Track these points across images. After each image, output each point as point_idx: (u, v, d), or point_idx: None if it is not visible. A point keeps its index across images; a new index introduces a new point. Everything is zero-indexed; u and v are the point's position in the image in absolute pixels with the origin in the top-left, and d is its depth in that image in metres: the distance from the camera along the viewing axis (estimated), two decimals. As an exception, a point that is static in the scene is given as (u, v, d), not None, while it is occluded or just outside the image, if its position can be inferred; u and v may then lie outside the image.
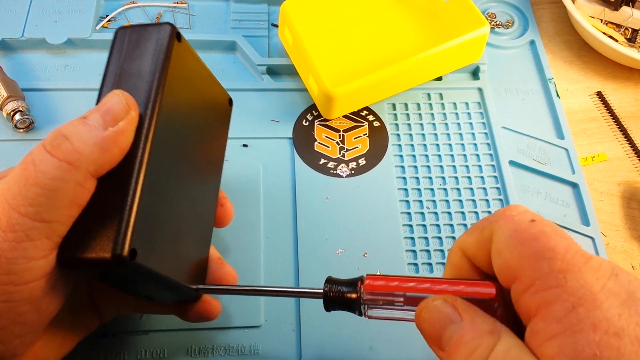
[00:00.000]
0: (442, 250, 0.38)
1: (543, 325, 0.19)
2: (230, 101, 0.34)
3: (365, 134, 0.42)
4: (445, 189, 0.40)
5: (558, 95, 0.46)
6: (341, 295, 0.25)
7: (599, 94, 0.47)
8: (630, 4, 0.48)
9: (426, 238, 0.38)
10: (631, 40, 0.48)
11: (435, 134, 0.43)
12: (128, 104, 0.24)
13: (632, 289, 0.19)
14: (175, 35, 0.26)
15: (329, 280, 0.26)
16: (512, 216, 0.21)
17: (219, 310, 0.31)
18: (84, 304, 0.29)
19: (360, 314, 0.25)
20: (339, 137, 0.42)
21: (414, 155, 0.42)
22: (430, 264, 0.37)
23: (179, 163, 0.27)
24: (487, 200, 0.40)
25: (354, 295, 0.24)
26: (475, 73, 0.46)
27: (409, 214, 0.39)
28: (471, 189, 0.40)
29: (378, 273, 0.26)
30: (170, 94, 0.26)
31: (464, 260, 0.24)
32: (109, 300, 0.30)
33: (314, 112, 0.43)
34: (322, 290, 0.26)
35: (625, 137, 0.45)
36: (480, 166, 0.42)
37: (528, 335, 0.20)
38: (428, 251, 0.38)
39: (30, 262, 0.22)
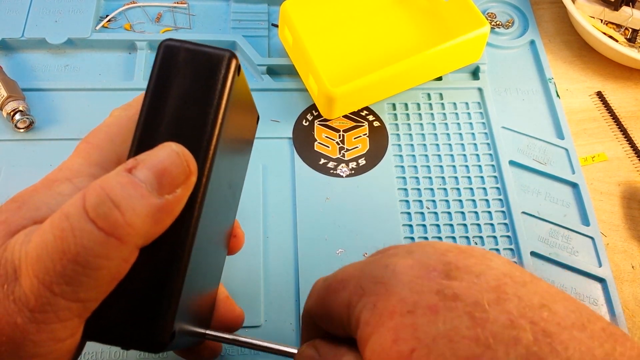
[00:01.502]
0: (442, 250, 0.38)
1: (360, 335, 0.19)
2: (258, 119, 0.30)
3: (365, 134, 0.42)
4: (445, 189, 0.40)
5: (558, 95, 0.46)
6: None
7: (599, 94, 0.47)
8: (630, 4, 0.48)
9: (426, 238, 0.38)
10: (631, 40, 0.48)
11: (435, 134, 0.43)
12: (189, 167, 0.20)
13: (424, 259, 0.19)
14: (237, 69, 0.22)
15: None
16: (311, 293, 0.23)
17: (220, 351, 0.30)
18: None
19: None
20: (339, 137, 0.42)
21: (414, 155, 0.42)
22: (430, 264, 0.37)
23: (218, 214, 0.24)
24: (487, 200, 0.40)
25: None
26: (475, 73, 0.46)
27: (409, 213, 0.39)
28: (471, 189, 0.40)
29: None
30: (225, 140, 0.22)
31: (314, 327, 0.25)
32: None
33: (314, 112, 0.43)
34: (295, 350, 0.25)
35: (625, 137, 0.45)
36: (480, 166, 0.42)
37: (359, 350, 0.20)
38: (428, 251, 0.38)
39: (58, 343, 0.19)
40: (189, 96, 0.21)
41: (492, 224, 0.39)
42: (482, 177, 0.41)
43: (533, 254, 0.38)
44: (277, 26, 0.48)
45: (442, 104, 0.44)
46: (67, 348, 0.20)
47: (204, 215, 0.21)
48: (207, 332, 0.26)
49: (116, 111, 0.24)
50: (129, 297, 0.20)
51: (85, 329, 0.20)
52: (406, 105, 0.44)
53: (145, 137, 0.21)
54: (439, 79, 0.45)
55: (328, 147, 0.42)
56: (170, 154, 0.20)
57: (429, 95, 0.45)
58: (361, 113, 0.43)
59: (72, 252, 0.18)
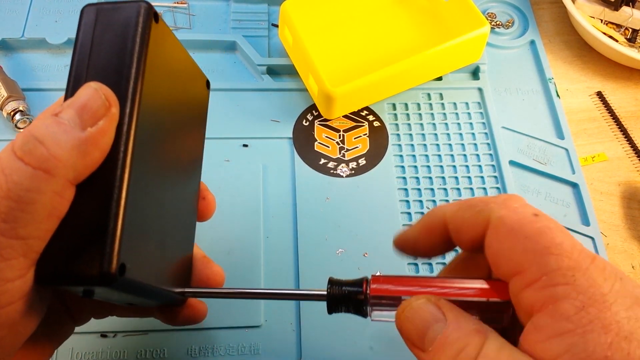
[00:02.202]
0: (442, 250, 0.38)
1: (549, 322, 0.18)
2: (208, 84, 0.31)
3: (365, 134, 0.42)
4: (445, 189, 0.40)
5: (558, 95, 0.46)
6: (346, 298, 0.24)
7: (599, 94, 0.47)
8: (630, 4, 0.48)
9: (426, 238, 0.38)
10: (631, 40, 0.48)
11: (435, 134, 0.43)
12: (108, 99, 0.21)
13: (637, 293, 0.19)
14: (153, 15, 0.23)
15: (332, 282, 0.24)
16: (515, 208, 0.21)
17: (204, 313, 0.29)
18: (59, 314, 0.27)
19: (365, 316, 0.24)
20: (339, 137, 0.42)
21: (414, 155, 0.42)
22: (430, 264, 0.37)
23: (162, 160, 0.25)
24: None
25: (360, 297, 0.23)
26: (475, 73, 0.46)
27: (409, 214, 0.39)
28: (471, 189, 0.40)
29: (378, 274, 0.25)
30: (150, 83, 0.23)
31: (440, 228, 0.24)
32: (84, 305, 0.28)
33: (314, 112, 0.43)
34: (324, 292, 0.24)
35: (625, 137, 0.45)
36: (480, 166, 0.42)
37: (528, 330, 0.19)
38: (428, 251, 0.38)
39: (6, 284, 0.19)
40: (109, 46, 0.23)
41: (492, 224, 0.39)
42: (482, 177, 0.41)
43: (533, 254, 0.38)
44: (277, 26, 0.48)
45: (442, 104, 0.44)
46: (17, 290, 0.20)
47: (141, 153, 0.22)
48: (187, 289, 0.27)
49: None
50: (72, 236, 0.20)
51: (36, 273, 0.20)
52: (406, 105, 0.44)
53: (72, 89, 0.22)
54: (439, 79, 0.45)
55: (328, 147, 0.42)
56: (88, 90, 0.21)
57: (429, 95, 0.45)
58: (361, 113, 0.43)
59: (4, 189, 0.19)
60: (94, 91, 0.21)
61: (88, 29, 0.23)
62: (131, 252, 0.21)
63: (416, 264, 0.37)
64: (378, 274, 0.24)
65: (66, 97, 0.22)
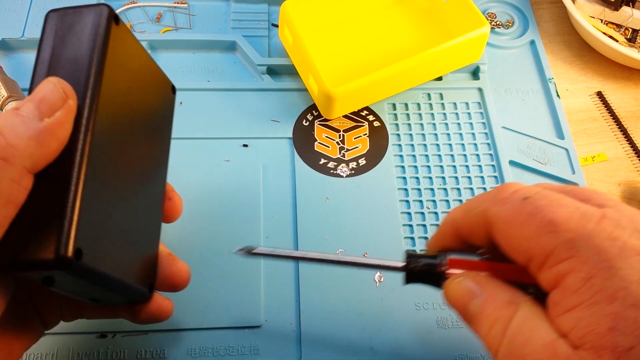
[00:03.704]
0: (442, 250, 0.38)
1: (561, 297, 0.19)
2: (174, 89, 0.32)
3: (365, 134, 0.42)
4: (445, 189, 0.40)
5: (558, 95, 0.46)
6: (426, 269, 0.25)
7: (599, 94, 0.47)
8: (630, 4, 0.48)
9: (426, 238, 0.38)
10: (631, 40, 0.48)
11: (435, 134, 0.43)
12: (65, 92, 0.22)
13: None
14: (113, 17, 0.24)
15: (411, 255, 0.25)
16: (505, 199, 0.22)
17: (170, 310, 0.29)
18: (26, 311, 0.27)
19: (440, 288, 0.25)
20: (339, 137, 0.42)
21: (414, 155, 0.42)
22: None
23: (122, 156, 0.26)
24: None
25: (439, 269, 0.24)
26: (475, 73, 0.46)
27: (409, 213, 0.39)
28: (471, 189, 0.40)
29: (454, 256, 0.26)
30: (110, 81, 0.24)
31: (456, 235, 0.25)
32: (51, 306, 0.28)
33: (314, 112, 0.43)
34: (401, 264, 0.25)
35: (625, 137, 0.45)
36: (480, 166, 0.42)
37: (549, 306, 0.20)
38: (428, 251, 0.38)
39: None
40: (70, 46, 0.24)
41: (492, 224, 0.39)
42: (482, 177, 0.41)
43: (533, 254, 0.38)
44: (277, 26, 0.48)
45: (442, 104, 0.44)
46: None
47: (100, 147, 0.23)
48: (254, 250, 0.28)
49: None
50: (31, 223, 0.21)
51: None
52: (406, 105, 0.44)
53: (34, 86, 0.23)
54: (439, 79, 0.45)
55: (328, 147, 0.42)
56: (46, 84, 0.22)
57: (429, 95, 0.45)
58: (361, 113, 0.43)
59: None
60: (52, 85, 0.22)
61: (50, 31, 0.24)
62: (88, 239, 0.21)
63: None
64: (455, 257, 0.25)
65: (29, 91, 0.23)
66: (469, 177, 0.41)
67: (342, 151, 0.42)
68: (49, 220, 0.21)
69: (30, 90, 0.23)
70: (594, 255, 0.18)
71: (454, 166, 0.41)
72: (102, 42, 0.24)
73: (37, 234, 0.21)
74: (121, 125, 0.25)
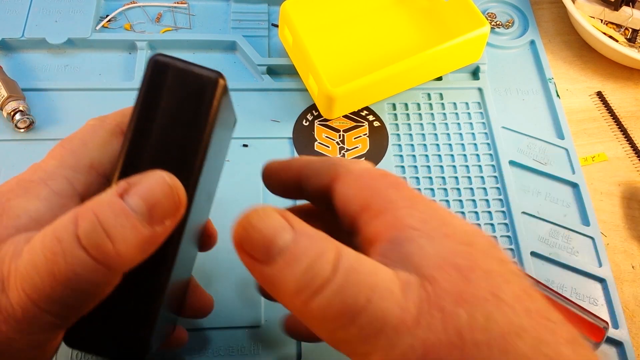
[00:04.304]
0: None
1: (390, 246, 0.20)
2: (235, 122, 0.30)
3: (365, 134, 0.42)
4: (445, 189, 0.40)
5: (558, 95, 0.46)
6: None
7: (599, 94, 0.47)
8: (630, 4, 0.48)
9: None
10: (631, 40, 0.48)
11: (435, 134, 0.43)
12: (179, 199, 0.21)
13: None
14: (224, 90, 0.22)
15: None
16: (361, 163, 0.23)
17: (186, 340, 0.30)
18: None
19: None
20: (339, 137, 0.42)
21: (414, 155, 0.42)
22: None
23: (195, 223, 0.25)
24: (487, 200, 0.40)
25: None
26: (475, 73, 0.46)
27: (409, 214, 0.39)
28: (471, 188, 0.40)
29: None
30: (209, 160, 0.22)
31: (297, 169, 0.25)
32: None
33: (314, 112, 0.43)
34: None
35: (625, 137, 0.45)
36: (480, 166, 0.42)
37: (374, 252, 0.21)
38: (428, 251, 0.38)
39: (37, 350, 0.20)
40: (177, 116, 0.22)
41: (492, 224, 0.39)
42: (482, 177, 0.41)
43: (533, 254, 0.38)
44: (277, 26, 0.48)
45: (442, 104, 0.44)
46: (45, 353, 0.21)
47: (186, 234, 0.22)
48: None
49: (92, 121, 0.25)
50: (111, 311, 0.21)
51: (69, 338, 0.21)
52: (406, 105, 0.44)
53: (133, 156, 0.21)
54: (439, 79, 0.45)
55: (328, 147, 0.42)
56: (163, 185, 0.20)
57: (429, 95, 0.45)
58: (361, 113, 0.43)
59: (63, 276, 0.19)
60: (168, 188, 0.20)
61: (156, 87, 0.22)
62: (158, 331, 0.22)
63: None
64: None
65: (122, 162, 0.22)
66: (469, 177, 0.41)
67: (342, 151, 0.42)
68: (130, 316, 0.21)
69: (123, 158, 0.21)
70: (430, 209, 0.21)
71: (454, 166, 0.41)
72: (214, 124, 0.22)
73: (118, 325, 0.21)
74: (204, 195, 0.24)
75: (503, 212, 0.40)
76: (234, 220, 0.20)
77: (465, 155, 0.42)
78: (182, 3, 0.48)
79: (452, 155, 0.42)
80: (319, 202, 0.24)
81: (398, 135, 0.43)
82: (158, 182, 0.20)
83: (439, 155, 0.42)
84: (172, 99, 0.22)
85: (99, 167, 0.24)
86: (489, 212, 0.40)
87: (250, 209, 0.20)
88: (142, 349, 0.21)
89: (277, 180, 0.27)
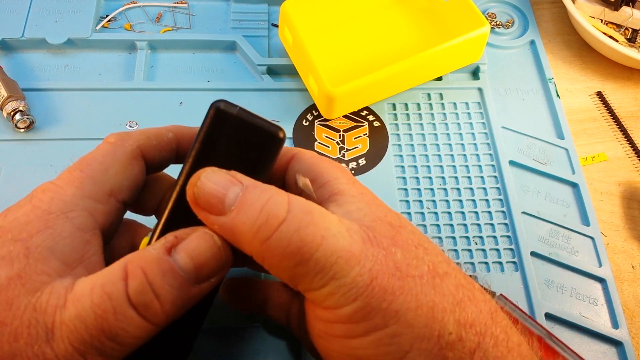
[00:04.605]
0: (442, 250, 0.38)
1: (335, 207, 0.23)
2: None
3: (365, 134, 0.42)
4: (445, 189, 0.40)
5: (558, 95, 0.46)
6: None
7: (599, 94, 0.47)
8: (630, 4, 0.48)
9: (426, 238, 0.38)
10: (631, 40, 0.48)
11: (435, 134, 0.43)
12: (227, 260, 0.22)
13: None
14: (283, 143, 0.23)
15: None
16: (307, 150, 0.27)
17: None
18: None
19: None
20: (339, 137, 0.42)
21: (414, 155, 0.42)
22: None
23: None
24: (487, 200, 0.40)
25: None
26: (475, 73, 0.46)
27: (409, 214, 0.39)
28: (471, 189, 0.40)
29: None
30: None
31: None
32: None
33: (314, 112, 0.43)
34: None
35: (625, 137, 0.45)
36: (480, 166, 0.42)
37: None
38: (428, 251, 0.38)
39: None
40: (234, 166, 0.22)
41: (492, 224, 0.39)
42: (482, 177, 0.41)
43: (533, 254, 0.38)
44: (277, 26, 0.48)
45: (442, 104, 0.44)
46: None
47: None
48: None
49: (112, 137, 0.25)
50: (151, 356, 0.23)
51: None
52: (406, 105, 0.44)
53: (183, 201, 0.22)
54: (439, 79, 0.45)
55: (328, 147, 0.42)
56: (212, 246, 0.21)
57: (429, 95, 0.45)
58: (361, 113, 0.43)
59: (111, 332, 0.20)
60: (217, 249, 0.22)
61: (217, 133, 0.22)
62: None
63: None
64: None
65: (171, 208, 0.23)
66: (469, 177, 0.41)
67: (342, 151, 0.42)
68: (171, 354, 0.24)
69: (173, 204, 0.23)
70: (361, 188, 0.25)
71: (454, 166, 0.41)
72: (269, 172, 0.23)
73: None
74: None
75: (503, 212, 0.40)
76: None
77: (465, 155, 0.42)
78: (182, 3, 0.48)
79: (452, 155, 0.42)
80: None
81: (398, 135, 0.43)
82: (207, 241, 0.21)
83: (439, 155, 0.42)
84: (231, 148, 0.22)
85: (118, 195, 0.24)
86: (489, 212, 0.40)
87: (203, 169, 0.22)
88: None
89: None
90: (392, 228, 0.23)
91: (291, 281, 0.21)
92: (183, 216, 0.22)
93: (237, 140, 0.22)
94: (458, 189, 0.40)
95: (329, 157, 0.41)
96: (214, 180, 0.21)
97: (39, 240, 0.21)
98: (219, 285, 0.24)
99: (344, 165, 0.41)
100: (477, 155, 0.42)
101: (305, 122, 0.43)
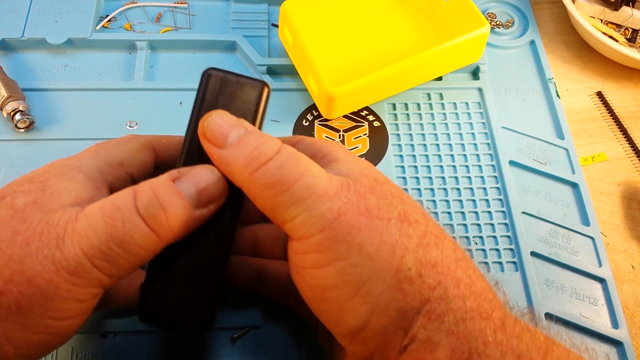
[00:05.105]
0: (442, 250, 0.38)
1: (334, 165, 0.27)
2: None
3: (365, 134, 0.42)
4: (445, 189, 0.40)
5: (558, 95, 0.46)
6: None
7: (599, 94, 0.47)
8: (630, 4, 0.48)
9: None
10: (631, 40, 0.48)
11: (435, 134, 0.43)
12: (224, 190, 0.25)
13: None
14: (269, 95, 0.27)
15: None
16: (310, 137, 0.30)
17: None
18: None
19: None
20: (339, 137, 0.42)
21: (414, 155, 0.42)
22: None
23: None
24: (487, 200, 0.40)
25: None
26: (475, 73, 0.46)
27: (409, 214, 0.39)
28: (471, 188, 0.40)
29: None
30: None
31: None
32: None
33: (314, 112, 0.43)
34: None
35: (625, 137, 0.45)
36: (480, 166, 0.42)
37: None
38: (428, 251, 0.38)
39: (80, 303, 0.23)
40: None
41: (492, 224, 0.39)
42: (482, 177, 0.41)
43: (533, 254, 0.38)
44: (277, 26, 0.48)
45: (442, 104, 0.44)
46: (84, 309, 0.23)
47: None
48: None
49: (127, 135, 0.29)
50: (182, 290, 0.26)
51: (143, 313, 0.26)
52: (406, 105, 0.44)
53: (191, 152, 0.26)
54: (439, 79, 0.45)
55: (328, 147, 0.42)
56: (210, 175, 0.25)
57: (429, 95, 0.45)
58: (361, 113, 0.43)
59: (119, 238, 0.22)
60: (216, 178, 0.25)
61: (213, 96, 0.27)
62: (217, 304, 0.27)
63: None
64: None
65: (183, 155, 0.26)
66: (469, 177, 0.41)
67: (342, 151, 0.41)
68: (195, 291, 0.26)
69: (184, 153, 0.26)
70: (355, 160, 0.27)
71: (454, 166, 0.41)
72: (261, 120, 0.27)
73: (185, 301, 0.26)
74: None
75: (503, 212, 0.40)
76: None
77: (465, 155, 0.42)
78: (182, 3, 0.48)
79: (452, 155, 0.42)
80: None
81: (398, 135, 0.43)
82: (207, 172, 0.25)
83: (439, 155, 0.42)
84: (226, 103, 0.26)
85: (127, 167, 0.27)
86: (489, 212, 0.40)
87: (215, 111, 0.26)
88: (208, 320, 0.26)
89: None
90: (375, 181, 0.25)
91: (271, 212, 0.24)
92: (191, 161, 0.26)
93: (230, 96, 0.26)
94: (458, 189, 0.40)
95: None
96: (221, 119, 0.25)
97: (55, 182, 0.24)
98: (235, 228, 0.27)
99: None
100: (477, 155, 0.42)
101: (305, 122, 0.43)
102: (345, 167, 0.26)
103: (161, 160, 0.29)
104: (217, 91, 0.26)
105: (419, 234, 0.24)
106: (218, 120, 0.25)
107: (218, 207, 0.25)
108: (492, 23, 0.49)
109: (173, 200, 0.23)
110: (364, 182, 0.25)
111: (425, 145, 0.42)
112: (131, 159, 0.27)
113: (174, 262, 0.26)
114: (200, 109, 0.26)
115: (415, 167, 0.41)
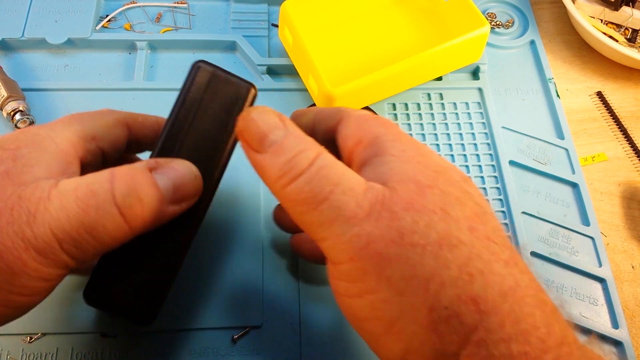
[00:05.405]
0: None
1: (371, 168, 0.24)
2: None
3: (365, 134, 0.42)
4: (445, 189, 0.40)
5: (558, 95, 0.46)
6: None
7: (599, 94, 0.47)
8: (630, 4, 0.48)
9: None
10: (631, 40, 0.48)
11: (435, 134, 0.43)
12: (199, 188, 0.25)
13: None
14: (254, 98, 0.27)
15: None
16: (360, 111, 0.27)
17: None
18: None
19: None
20: (339, 137, 0.42)
21: (414, 155, 0.42)
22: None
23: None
24: (487, 200, 0.40)
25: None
26: (475, 73, 0.46)
27: (409, 214, 0.39)
28: (471, 189, 0.40)
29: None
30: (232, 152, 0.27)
31: (311, 119, 0.28)
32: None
33: (314, 112, 0.43)
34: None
35: (625, 137, 0.45)
36: (480, 166, 0.42)
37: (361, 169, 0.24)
38: (428, 251, 0.38)
39: (43, 282, 0.23)
40: (213, 115, 0.26)
41: (492, 224, 0.39)
42: (482, 177, 0.41)
43: (533, 254, 0.38)
44: (277, 26, 0.48)
45: (442, 104, 0.44)
46: (47, 287, 0.23)
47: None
48: None
49: (105, 109, 0.28)
50: (132, 280, 0.25)
51: (89, 296, 0.25)
52: (406, 105, 0.44)
53: (169, 141, 0.26)
54: (439, 79, 0.45)
55: (328, 147, 0.42)
56: (188, 172, 0.24)
57: (429, 95, 0.45)
58: (361, 113, 0.43)
59: (91, 226, 0.22)
60: (193, 177, 0.25)
61: (199, 89, 0.26)
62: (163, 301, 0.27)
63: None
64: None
65: (160, 143, 0.26)
66: (469, 177, 0.41)
67: (342, 151, 0.41)
68: (146, 283, 0.26)
69: (163, 138, 0.26)
70: (406, 143, 0.24)
71: (454, 166, 0.41)
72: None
73: (133, 290, 0.25)
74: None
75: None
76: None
77: (465, 155, 0.42)
78: (182, 3, 0.48)
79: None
80: (328, 145, 0.26)
81: (398, 135, 0.43)
82: (184, 169, 0.24)
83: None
84: (211, 99, 0.26)
85: (99, 141, 0.26)
86: (489, 212, 0.39)
87: (254, 106, 0.24)
88: (151, 315, 0.26)
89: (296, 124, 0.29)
90: (417, 188, 0.22)
91: (304, 228, 0.23)
92: (169, 151, 0.26)
93: (215, 91, 0.26)
94: (458, 189, 0.40)
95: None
96: (261, 120, 0.23)
97: (26, 151, 0.23)
98: (197, 229, 0.26)
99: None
100: (477, 155, 0.42)
101: (305, 122, 0.43)
102: (387, 167, 0.23)
103: (134, 138, 0.29)
104: (204, 84, 0.26)
105: (460, 261, 0.20)
106: (257, 120, 0.23)
107: (190, 206, 0.25)
108: (492, 23, 0.49)
109: (150, 192, 0.23)
110: (402, 193, 0.22)
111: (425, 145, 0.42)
112: (104, 133, 0.27)
113: (131, 252, 0.25)
114: (184, 99, 0.26)
115: (415, 167, 0.41)
